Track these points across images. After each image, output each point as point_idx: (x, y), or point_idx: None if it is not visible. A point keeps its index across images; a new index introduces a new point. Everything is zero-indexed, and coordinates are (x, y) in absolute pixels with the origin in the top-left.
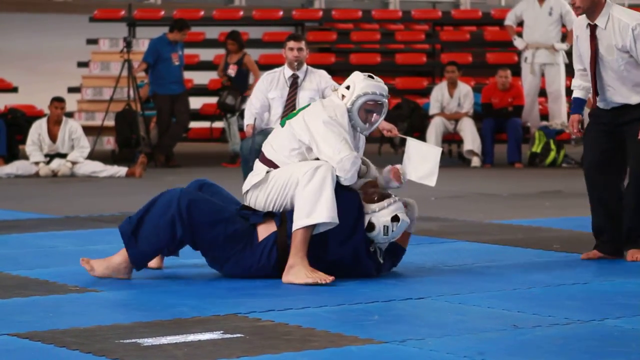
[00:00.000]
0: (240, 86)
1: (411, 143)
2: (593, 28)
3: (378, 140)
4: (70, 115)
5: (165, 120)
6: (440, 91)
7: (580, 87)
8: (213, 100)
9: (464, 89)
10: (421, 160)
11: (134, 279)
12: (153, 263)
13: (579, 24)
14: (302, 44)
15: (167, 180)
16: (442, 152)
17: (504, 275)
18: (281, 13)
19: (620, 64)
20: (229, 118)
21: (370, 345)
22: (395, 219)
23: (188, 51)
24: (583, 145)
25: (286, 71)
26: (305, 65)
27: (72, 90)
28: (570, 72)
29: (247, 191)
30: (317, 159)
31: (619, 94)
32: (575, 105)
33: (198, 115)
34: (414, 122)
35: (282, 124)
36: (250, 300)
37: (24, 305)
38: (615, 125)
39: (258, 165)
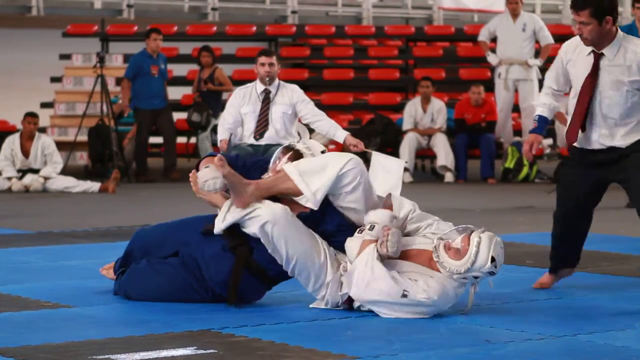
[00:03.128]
0: (210, 102)
1: (376, 157)
2: (598, 57)
3: None
4: (43, 130)
5: (144, 135)
6: (413, 107)
7: (550, 106)
8: (185, 115)
9: (437, 105)
10: (385, 173)
11: (106, 295)
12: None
13: (573, 47)
14: (274, 59)
15: (140, 195)
16: (415, 167)
17: (477, 291)
18: (254, 29)
19: (628, 99)
20: (199, 134)
21: None
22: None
23: None
24: (560, 187)
25: (258, 86)
26: (277, 80)
27: (45, 105)
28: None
29: None
30: None
31: (610, 135)
32: (540, 124)
33: None
34: (387, 138)
35: None
36: (223, 316)
37: None
38: (596, 165)
39: None
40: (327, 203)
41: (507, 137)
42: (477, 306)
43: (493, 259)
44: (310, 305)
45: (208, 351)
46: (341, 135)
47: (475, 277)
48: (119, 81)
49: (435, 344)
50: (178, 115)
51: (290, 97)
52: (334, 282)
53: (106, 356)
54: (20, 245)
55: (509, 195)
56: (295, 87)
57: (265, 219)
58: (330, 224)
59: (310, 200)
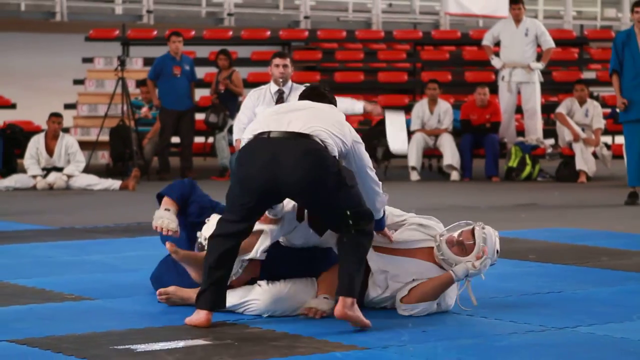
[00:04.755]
0: (227, 104)
1: (387, 116)
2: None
3: None
4: (66, 130)
5: (167, 135)
6: (421, 108)
7: None
8: (203, 117)
9: (444, 106)
10: (398, 132)
11: (127, 288)
12: None
13: None
14: (287, 61)
15: None
16: (422, 166)
17: (482, 284)
18: (269, 33)
19: None
20: (217, 134)
21: (354, 351)
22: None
23: None
24: None
25: (272, 87)
26: (290, 82)
27: (68, 106)
28: (545, 90)
29: None
30: None
31: None
32: None
33: None
34: None
35: None
36: None
37: (22, 312)
38: None
39: None
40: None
41: (511, 137)
42: (482, 299)
43: (497, 251)
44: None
45: (224, 342)
46: (360, 107)
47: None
48: (139, 83)
49: (442, 335)
50: (196, 116)
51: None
52: None
53: (127, 346)
54: (45, 240)
55: (513, 193)
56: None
57: (261, 309)
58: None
59: None
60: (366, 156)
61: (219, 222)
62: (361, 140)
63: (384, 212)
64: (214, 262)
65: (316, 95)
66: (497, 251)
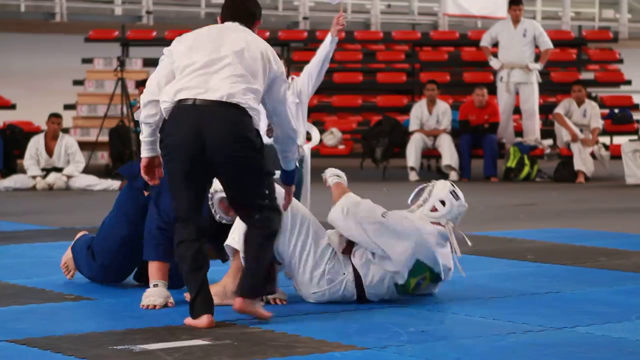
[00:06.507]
0: None
1: None
2: None
3: (360, 155)
4: (66, 131)
5: None
6: (419, 108)
7: None
8: None
9: (443, 107)
10: None
11: (126, 288)
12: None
13: None
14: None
15: None
16: (421, 166)
17: (480, 284)
18: (268, 34)
19: None
20: None
21: (353, 351)
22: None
23: None
24: None
25: None
26: None
27: (68, 107)
28: (543, 90)
29: None
30: None
31: None
32: None
33: None
34: (395, 138)
35: None
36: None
37: (22, 312)
38: None
39: None
40: None
41: (509, 138)
42: (480, 299)
43: (453, 193)
44: (312, 292)
45: (223, 342)
46: (328, 37)
47: (448, 211)
48: (138, 84)
49: (440, 335)
50: None
51: (294, 87)
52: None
53: (126, 346)
54: (45, 240)
55: (511, 193)
56: (297, 78)
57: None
58: None
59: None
60: (287, 94)
61: (177, 228)
62: (285, 78)
63: (296, 165)
64: (191, 265)
65: (247, 13)
66: (454, 193)
